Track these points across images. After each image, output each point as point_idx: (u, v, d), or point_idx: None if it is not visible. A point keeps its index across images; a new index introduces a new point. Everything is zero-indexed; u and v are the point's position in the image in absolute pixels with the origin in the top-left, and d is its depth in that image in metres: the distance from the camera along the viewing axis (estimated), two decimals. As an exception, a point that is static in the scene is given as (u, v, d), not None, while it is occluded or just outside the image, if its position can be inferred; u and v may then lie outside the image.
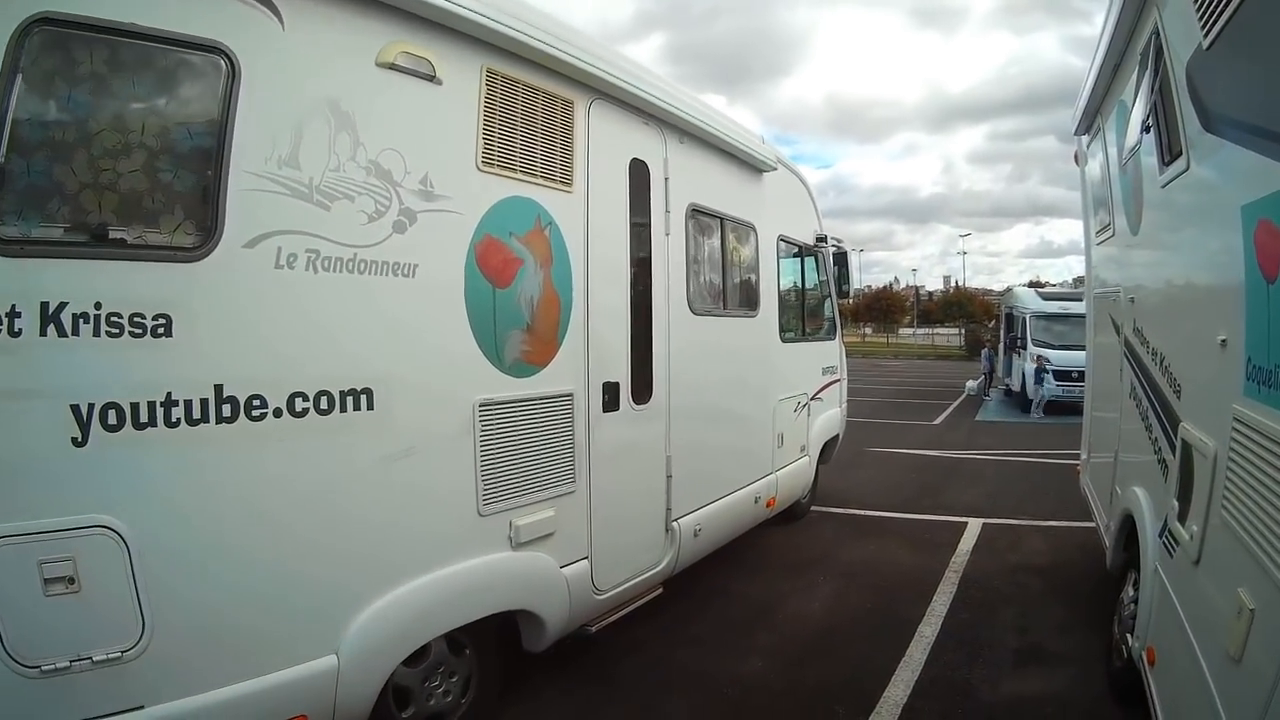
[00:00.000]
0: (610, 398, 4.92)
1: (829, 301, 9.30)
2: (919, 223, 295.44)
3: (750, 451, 7.03)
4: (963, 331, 58.60)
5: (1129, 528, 4.77)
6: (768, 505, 7.34)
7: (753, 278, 7.12)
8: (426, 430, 3.70)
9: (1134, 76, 4.67)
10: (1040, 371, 18.88)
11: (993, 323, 37.96)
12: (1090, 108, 6.33)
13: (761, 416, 7.20)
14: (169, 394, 2.78)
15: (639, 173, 5.29)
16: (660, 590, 5.60)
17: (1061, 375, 18.41)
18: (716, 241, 6.44)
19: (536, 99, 4.33)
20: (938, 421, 18.98)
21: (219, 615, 2.94)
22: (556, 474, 4.48)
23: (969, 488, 10.95)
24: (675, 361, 5.58)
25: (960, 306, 69.77)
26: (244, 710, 2.99)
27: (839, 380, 9.52)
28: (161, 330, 2.75)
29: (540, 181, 4.38)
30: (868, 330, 77.00)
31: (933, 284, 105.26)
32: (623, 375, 5.05)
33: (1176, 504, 3.53)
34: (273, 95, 3.04)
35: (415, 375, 3.63)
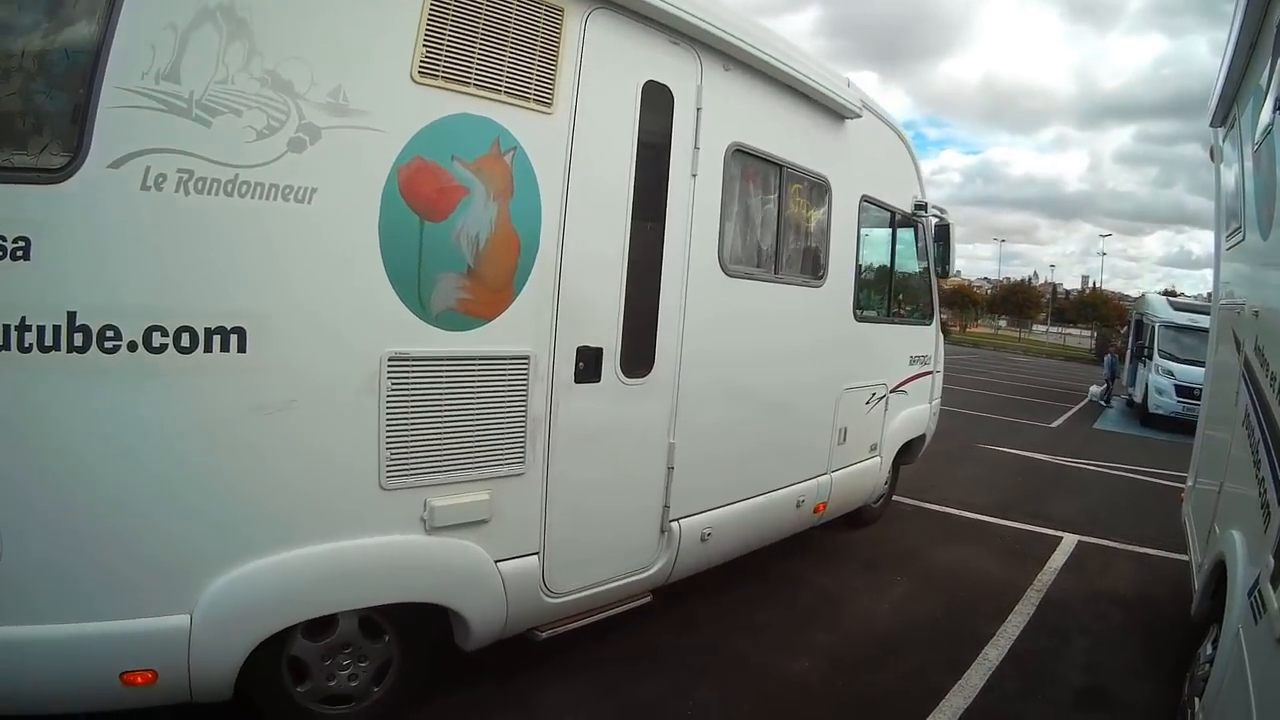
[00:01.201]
0: (587, 366, 4.14)
1: (926, 280, 8.08)
2: (1062, 219, 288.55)
3: (798, 446, 6.07)
4: (1094, 334, 57.62)
5: (1220, 574, 4.18)
6: (816, 511, 6.34)
7: (821, 241, 6.07)
8: (314, 382, 3.21)
9: (1269, 58, 4.21)
10: None
11: (1124, 328, 36.73)
12: (1225, 95, 5.68)
13: (819, 406, 6.22)
14: (23, 318, 2.63)
15: (659, 99, 4.44)
16: (648, 598, 4.86)
17: (1183, 391, 17.57)
18: (771, 193, 5.47)
19: (508, 4, 3.64)
20: (1054, 424, 18.23)
21: (66, 549, 2.82)
22: (497, 451, 3.79)
23: (1072, 499, 10.33)
24: (694, 329, 4.74)
25: (1094, 308, 67.83)
26: (91, 650, 2.87)
27: (932, 373, 8.28)
28: (20, 253, 2.61)
29: (503, 98, 3.65)
30: (1001, 323, 77.21)
31: (1070, 283, 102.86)
32: (609, 340, 4.26)
33: (1272, 562, 3.03)
34: (158, 7, 2.77)
35: (302, 317, 3.14)
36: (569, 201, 3.96)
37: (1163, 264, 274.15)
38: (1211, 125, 6.44)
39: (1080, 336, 63.60)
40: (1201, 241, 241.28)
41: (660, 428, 4.70)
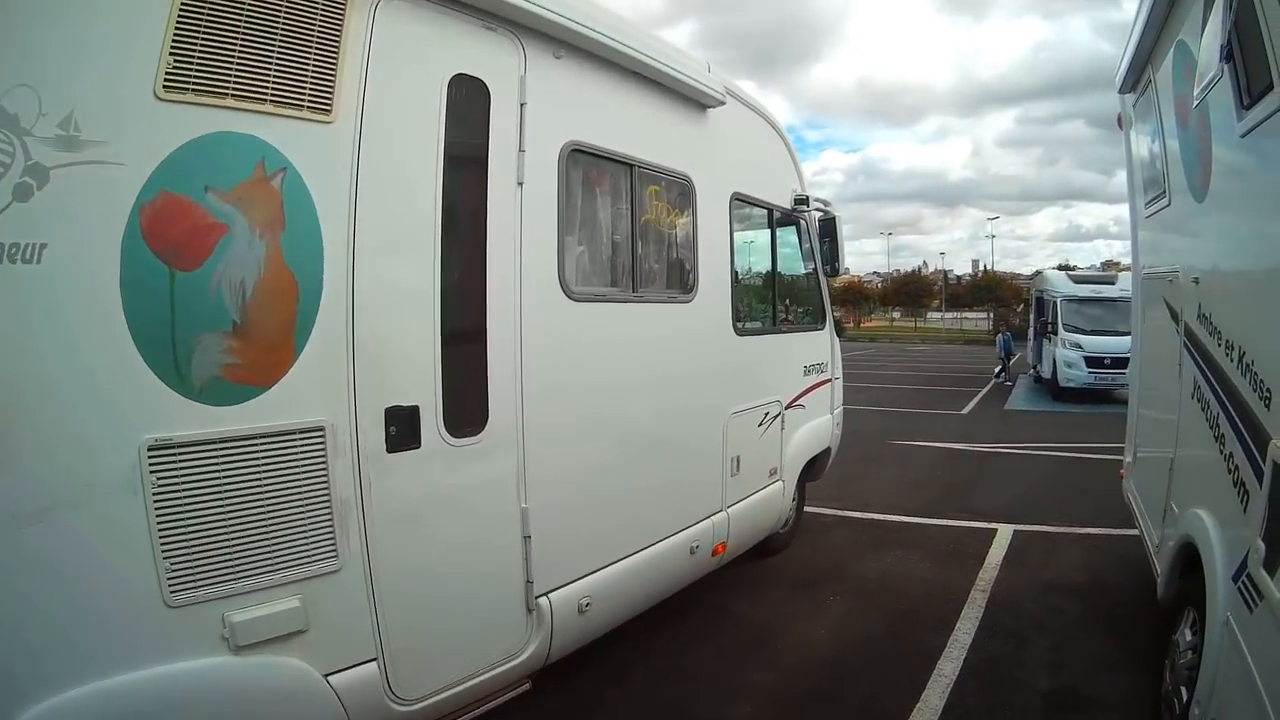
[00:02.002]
0: (401, 430, 3.47)
1: (814, 281, 7.57)
2: (948, 206, 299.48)
3: (683, 486, 5.44)
4: (991, 316, 60.71)
5: (1189, 555, 4.01)
6: (714, 553, 5.76)
7: (687, 249, 5.50)
8: (67, 484, 2.64)
9: (1199, 8, 4.06)
10: None
11: (1021, 307, 37.91)
12: (1138, 59, 5.51)
13: (703, 437, 5.62)
14: None
15: (471, 96, 3.82)
16: (527, 685, 4.23)
17: (1094, 362, 18.29)
18: (622, 198, 4.90)
19: None
20: (965, 411, 18.34)
21: None
22: (301, 547, 3.14)
23: (999, 487, 10.21)
24: (535, 369, 4.10)
25: (990, 290, 70.55)
26: None
27: (830, 380, 7.75)
28: None
29: (270, 109, 3.01)
30: (895, 314, 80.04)
31: (961, 268, 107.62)
32: (426, 395, 3.59)
33: (1263, 547, 2.84)
34: None
35: (42, 404, 2.60)
36: (358, 229, 3.29)
37: (1053, 240, 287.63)
38: (1120, 92, 6.31)
39: (977, 319, 65.97)
40: (1091, 214, 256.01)
41: (508, 491, 4.05)
